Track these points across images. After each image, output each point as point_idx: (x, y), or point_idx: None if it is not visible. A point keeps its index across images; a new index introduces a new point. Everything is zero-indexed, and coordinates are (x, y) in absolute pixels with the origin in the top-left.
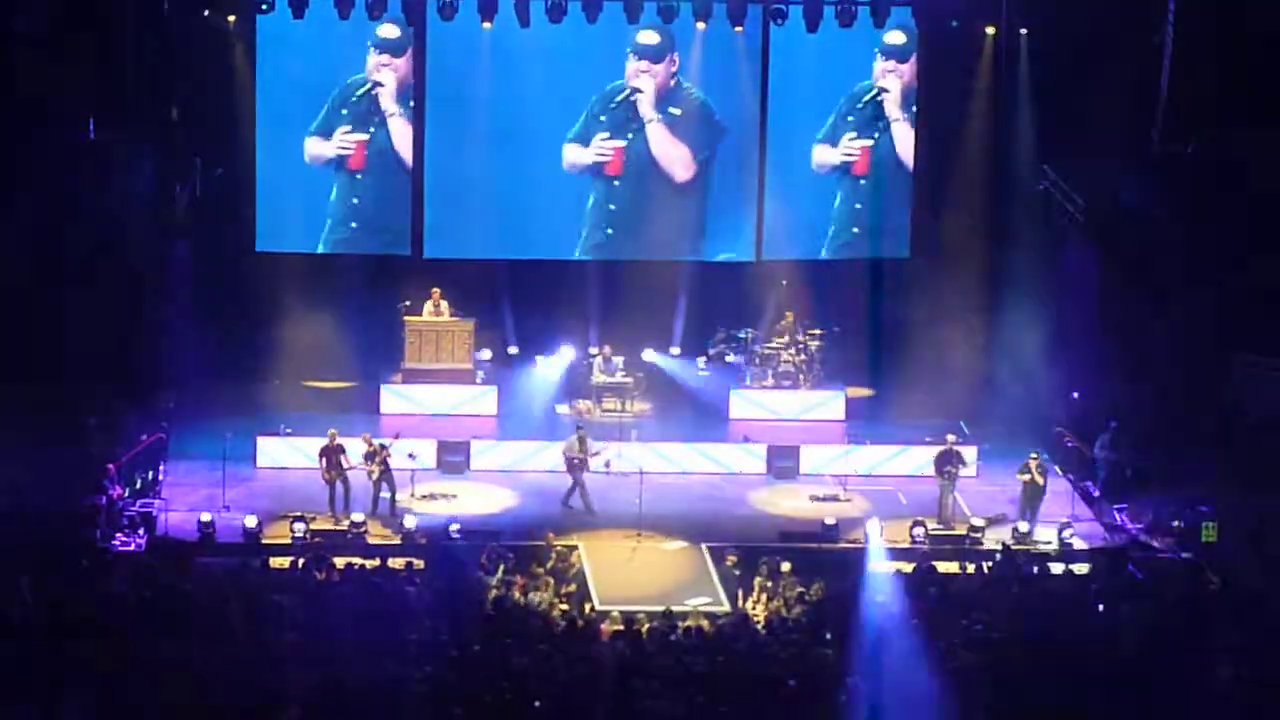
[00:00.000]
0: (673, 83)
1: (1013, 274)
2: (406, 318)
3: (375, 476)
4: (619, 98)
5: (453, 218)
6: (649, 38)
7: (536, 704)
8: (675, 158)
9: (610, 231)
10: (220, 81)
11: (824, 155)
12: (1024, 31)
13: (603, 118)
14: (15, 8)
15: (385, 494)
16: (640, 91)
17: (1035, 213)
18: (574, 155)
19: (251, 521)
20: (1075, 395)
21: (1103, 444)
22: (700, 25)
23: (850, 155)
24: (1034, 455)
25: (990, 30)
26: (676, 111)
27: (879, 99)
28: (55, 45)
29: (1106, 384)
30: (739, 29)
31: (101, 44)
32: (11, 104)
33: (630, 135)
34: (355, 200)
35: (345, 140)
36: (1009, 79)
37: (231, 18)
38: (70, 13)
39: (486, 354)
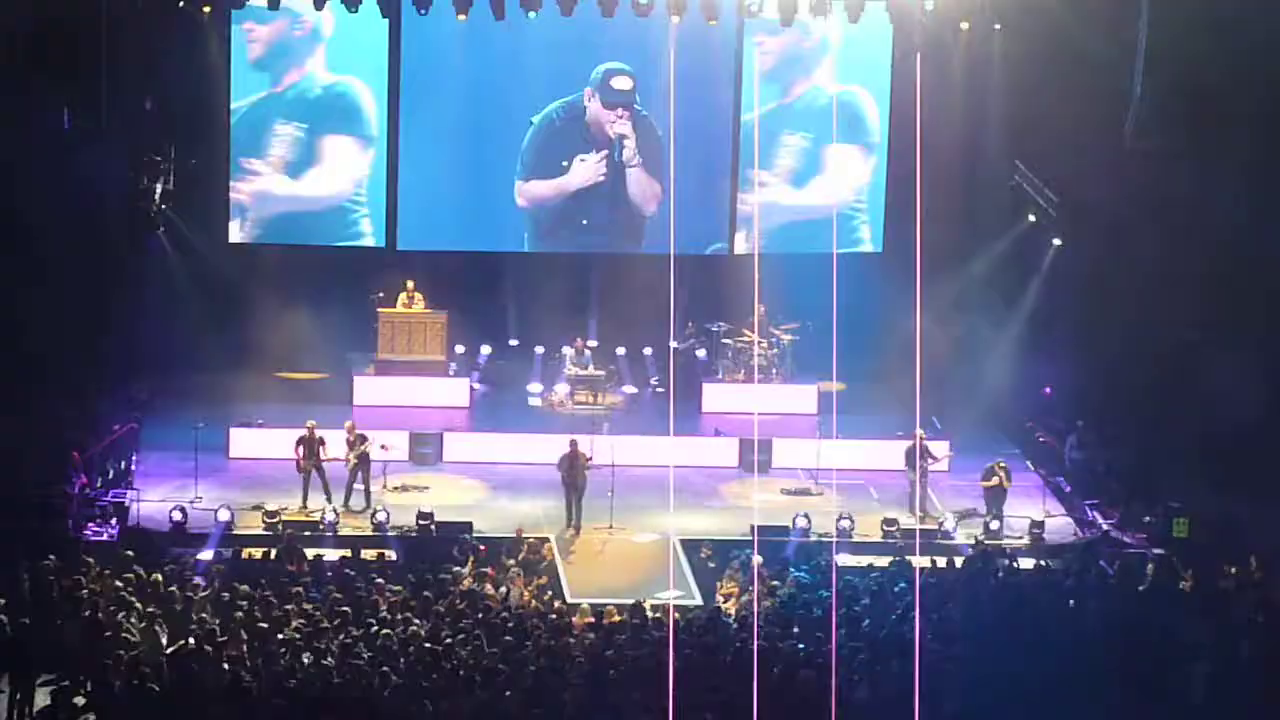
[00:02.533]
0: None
1: (984, 269)
2: (380, 309)
3: (352, 465)
4: (579, 117)
5: (427, 210)
6: (623, 83)
7: (507, 695)
8: (649, 194)
9: (585, 222)
10: (194, 73)
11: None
12: (998, 27)
13: (579, 140)
14: None
15: (360, 485)
16: (626, 138)
17: (1007, 208)
18: (539, 189)
19: (224, 513)
20: (1047, 390)
21: (1072, 445)
22: (675, 19)
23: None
24: (1001, 463)
25: (964, 25)
26: (636, 156)
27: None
28: (29, 35)
29: (1078, 380)
30: (713, 22)
31: (76, 34)
32: None
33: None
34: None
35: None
36: (982, 74)
37: (206, 9)
38: (46, 3)
39: (460, 349)
